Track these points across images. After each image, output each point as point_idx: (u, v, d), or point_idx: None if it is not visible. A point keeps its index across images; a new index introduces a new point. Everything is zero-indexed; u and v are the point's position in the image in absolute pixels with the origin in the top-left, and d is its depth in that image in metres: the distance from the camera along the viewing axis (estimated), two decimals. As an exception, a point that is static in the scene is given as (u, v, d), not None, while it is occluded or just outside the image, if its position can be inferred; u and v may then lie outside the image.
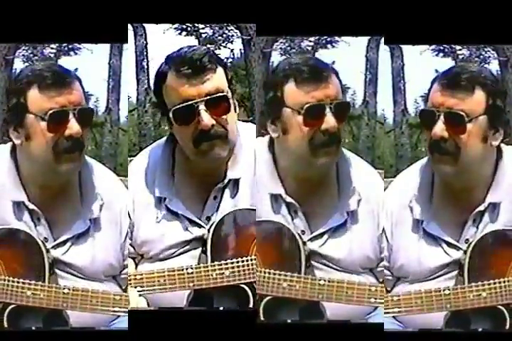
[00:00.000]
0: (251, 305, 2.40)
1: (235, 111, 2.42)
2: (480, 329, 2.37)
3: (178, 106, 2.33)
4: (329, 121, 2.31)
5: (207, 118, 2.33)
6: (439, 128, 2.28)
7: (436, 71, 2.46)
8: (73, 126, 2.29)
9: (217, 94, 2.34)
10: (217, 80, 2.35)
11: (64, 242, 2.40)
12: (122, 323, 2.43)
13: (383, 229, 2.44)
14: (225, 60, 2.59)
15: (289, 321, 2.42)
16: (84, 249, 2.40)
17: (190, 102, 2.32)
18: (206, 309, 2.43)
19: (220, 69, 2.37)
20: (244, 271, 2.39)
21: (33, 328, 2.37)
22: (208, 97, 2.32)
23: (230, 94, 2.38)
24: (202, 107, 2.32)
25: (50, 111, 2.29)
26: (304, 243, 2.40)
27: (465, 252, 2.34)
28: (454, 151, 2.29)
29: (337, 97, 2.34)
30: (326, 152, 2.34)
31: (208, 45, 4.12)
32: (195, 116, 2.34)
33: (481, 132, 2.30)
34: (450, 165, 2.30)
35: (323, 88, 2.33)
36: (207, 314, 2.43)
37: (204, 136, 2.34)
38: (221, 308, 2.42)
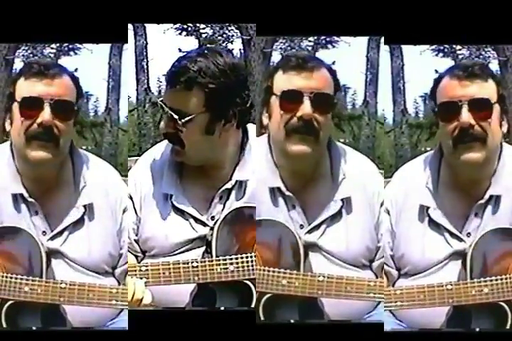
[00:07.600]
0: (254, 302, 2.40)
1: None
2: (477, 329, 2.37)
3: None
4: (305, 108, 2.33)
5: None
6: (467, 116, 2.31)
7: (436, 71, 2.47)
8: (45, 114, 2.32)
9: None
10: None
11: (61, 232, 2.40)
12: (122, 323, 2.43)
13: (378, 217, 2.45)
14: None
15: (291, 321, 2.42)
16: (81, 237, 2.41)
17: None
18: (206, 309, 2.43)
19: None
20: (248, 266, 2.40)
21: (34, 328, 2.38)
22: None
23: None
24: None
25: (23, 96, 2.34)
26: (303, 241, 2.40)
27: (469, 246, 2.36)
28: (482, 136, 2.32)
29: (321, 90, 2.36)
30: (300, 138, 2.35)
31: (208, 45, 4.13)
32: None
33: (499, 118, 2.36)
34: (479, 152, 2.33)
35: (306, 77, 2.36)
36: (207, 313, 2.44)
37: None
38: (222, 308, 2.42)
